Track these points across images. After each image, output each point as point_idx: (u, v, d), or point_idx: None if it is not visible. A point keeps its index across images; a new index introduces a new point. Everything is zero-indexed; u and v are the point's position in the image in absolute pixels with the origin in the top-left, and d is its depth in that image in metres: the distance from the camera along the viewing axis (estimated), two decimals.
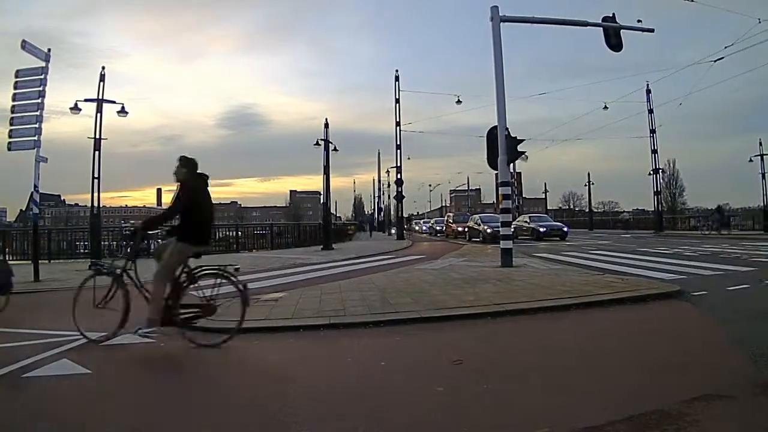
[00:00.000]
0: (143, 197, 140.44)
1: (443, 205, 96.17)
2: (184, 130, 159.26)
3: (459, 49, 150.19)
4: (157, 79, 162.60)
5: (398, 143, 30.92)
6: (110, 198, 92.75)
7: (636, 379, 3.76)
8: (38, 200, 12.90)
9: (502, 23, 11.87)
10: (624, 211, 55.99)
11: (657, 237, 27.25)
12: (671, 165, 58.96)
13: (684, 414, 2.99)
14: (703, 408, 3.09)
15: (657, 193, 35.02)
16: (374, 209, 70.23)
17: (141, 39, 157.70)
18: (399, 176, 32.12)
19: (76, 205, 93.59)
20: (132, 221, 66.86)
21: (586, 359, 4.43)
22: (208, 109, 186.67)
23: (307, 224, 38.79)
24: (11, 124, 12.12)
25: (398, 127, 30.61)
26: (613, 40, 12.89)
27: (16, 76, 12.14)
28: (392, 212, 49.70)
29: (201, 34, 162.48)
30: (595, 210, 58.85)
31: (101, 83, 16.74)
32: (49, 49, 12.19)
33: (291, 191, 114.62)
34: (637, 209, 62.08)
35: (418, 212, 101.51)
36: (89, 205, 17.61)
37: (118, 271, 5.56)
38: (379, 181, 59.54)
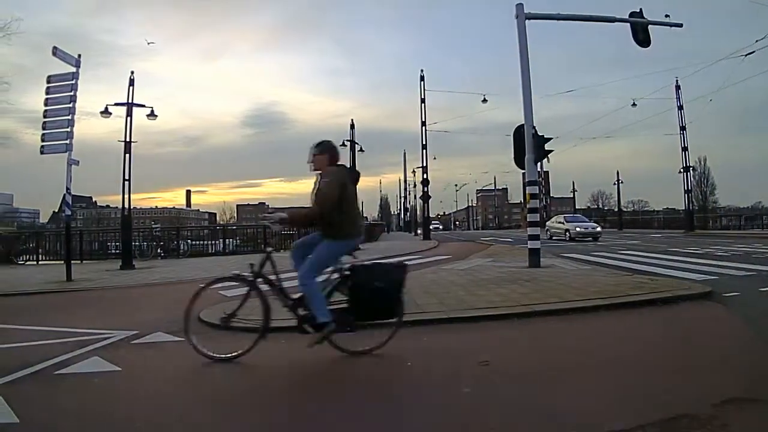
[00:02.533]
0: (173, 198, 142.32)
1: (469, 205, 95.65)
2: (209, 130, 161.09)
3: (487, 44, 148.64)
4: (181, 77, 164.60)
5: (424, 143, 30.85)
6: (140, 199, 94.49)
7: (666, 382, 3.68)
8: (70, 202, 13.20)
9: (527, 20, 11.75)
10: (655, 210, 55.01)
11: (688, 237, 26.70)
12: (702, 163, 57.80)
13: (714, 417, 2.92)
14: (733, 411, 3.01)
15: (687, 191, 34.24)
16: (400, 209, 70.27)
17: (164, 37, 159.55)
18: (425, 176, 32.09)
19: (107, 206, 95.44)
20: (154, 223, 67.96)
21: (615, 361, 4.35)
22: (233, 108, 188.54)
23: None
24: (43, 129, 12.45)
25: (424, 127, 30.54)
26: (641, 36, 12.66)
27: (48, 82, 12.46)
28: (418, 212, 49.62)
29: (225, 31, 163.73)
30: (625, 209, 57.98)
31: (131, 87, 17.04)
32: (80, 55, 12.47)
33: None
34: (668, 208, 61.04)
35: (444, 212, 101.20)
36: (120, 206, 17.90)
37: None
38: (405, 181, 59.63)
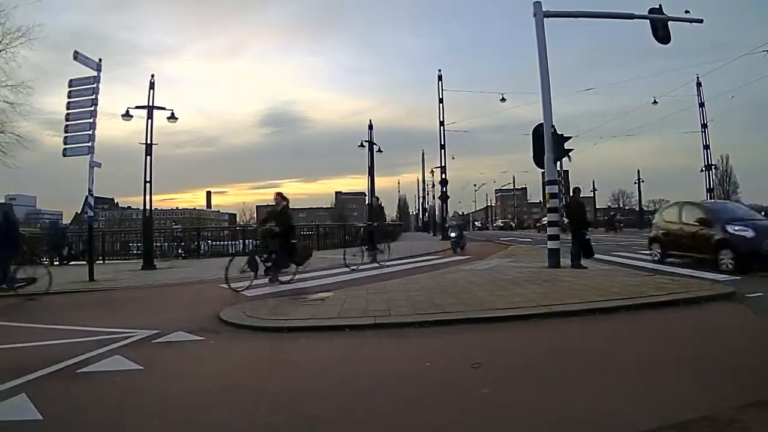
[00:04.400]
0: (193, 199, 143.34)
1: (488, 204, 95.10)
2: (227, 130, 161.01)
3: (506, 42, 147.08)
4: (198, 76, 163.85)
5: (442, 143, 30.72)
6: (161, 200, 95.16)
7: (687, 384, 3.63)
8: (93, 203, 13.39)
9: (545, 18, 11.65)
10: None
11: None
12: (724, 161, 56.72)
13: (736, 420, 2.88)
14: (755, 415, 2.97)
15: (710, 190, 33.55)
16: (418, 210, 70.18)
17: (183, 35, 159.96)
18: (443, 176, 31.95)
19: (129, 207, 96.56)
20: (175, 223, 68.72)
21: (636, 362, 4.30)
22: (251, 108, 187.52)
23: (352, 225, 39.07)
24: (66, 132, 12.65)
25: (442, 127, 30.39)
26: (661, 33, 12.46)
27: (70, 86, 12.68)
28: (437, 212, 49.41)
29: (242, 29, 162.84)
30: (646, 208, 57.15)
31: (151, 91, 17.20)
32: (100, 59, 12.64)
33: (336, 192, 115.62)
34: None
35: (463, 212, 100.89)
36: (141, 207, 18.11)
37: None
38: (424, 181, 59.34)
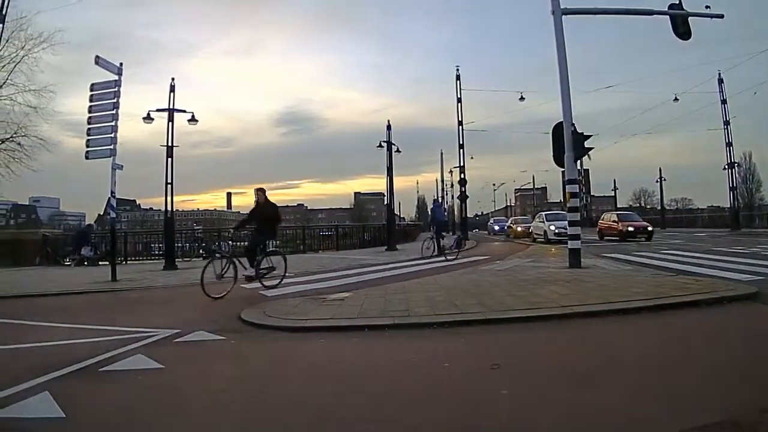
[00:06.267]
0: (213, 200, 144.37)
1: (508, 204, 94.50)
2: (243, 130, 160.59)
3: (526, 40, 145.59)
4: (215, 75, 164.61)
5: (461, 143, 30.68)
6: (181, 201, 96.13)
7: (709, 386, 3.55)
8: (115, 205, 13.59)
9: (564, 16, 11.55)
10: (699, 208, 53.37)
11: (733, 235, 25.79)
12: (747, 158, 55.72)
13: (760, 424, 2.82)
14: None
15: (732, 188, 33.00)
16: None
17: (198, 34, 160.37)
18: (462, 176, 31.88)
19: (151, 209, 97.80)
20: (196, 224, 69.40)
21: (656, 364, 4.23)
22: (267, 107, 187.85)
23: (371, 225, 39.16)
24: (88, 135, 12.88)
25: (460, 126, 30.38)
26: (681, 29, 12.28)
27: (91, 90, 12.93)
28: (456, 212, 49.25)
29: (259, 27, 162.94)
30: (668, 207, 56.41)
31: (171, 94, 17.41)
32: (121, 63, 12.85)
33: (355, 193, 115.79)
34: (712, 206, 59.07)
35: (482, 212, 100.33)
36: (163, 208, 18.35)
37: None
38: (443, 180, 59.19)
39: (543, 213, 27.30)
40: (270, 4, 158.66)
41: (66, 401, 3.57)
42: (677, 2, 12.23)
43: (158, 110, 17.52)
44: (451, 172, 51.03)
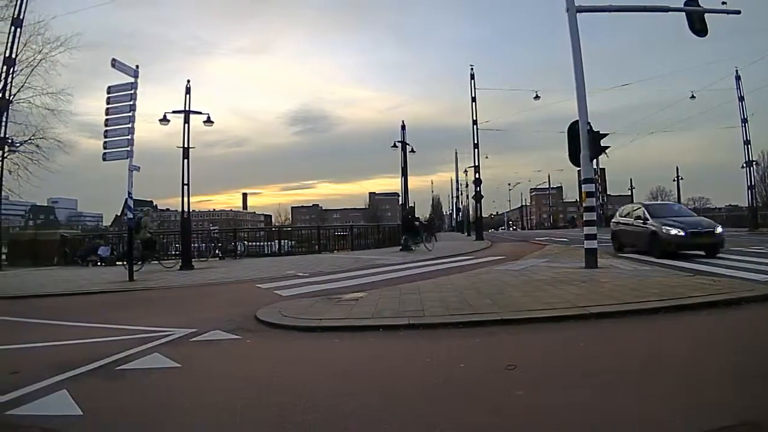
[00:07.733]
0: (229, 201, 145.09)
1: (523, 204, 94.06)
2: (257, 130, 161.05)
3: (541, 38, 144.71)
4: (227, 74, 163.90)
5: (476, 142, 30.57)
6: (198, 202, 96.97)
7: (727, 389, 3.50)
8: (132, 206, 13.73)
9: (578, 13, 11.46)
10: (717, 207, 52.56)
11: (751, 235, 25.40)
12: (766, 156, 54.85)
13: None
14: None
15: (751, 187, 32.49)
16: (452, 209, 70.04)
17: (212, 32, 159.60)
18: (477, 176, 31.77)
19: (167, 209, 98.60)
20: (212, 225, 69.84)
21: (674, 365, 4.17)
22: (281, 106, 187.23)
23: (386, 225, 39.19)
24: (105, 137, 13.07)
25: (475, 126, 30.26)
26: (698, 25, 12.13)
27: (108, 92, 13.13)
28: (471, 212, 49.15)
29: (272, 26, 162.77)
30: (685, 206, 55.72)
31: (187, 96, 17.55)
32: (137, 66, 13.01)
33: (370, 193, 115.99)
34: (730, 205, 58.20)
35: (497, 212, 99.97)
36: (179, 209, 18.50)
37: None
38: (457, 180, 59.19)
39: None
40: (284, 2, 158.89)
41: (84, 399, 3.62)
42: None
43: (174, 112, 17.71)
44: (465, 171, 51.04)
